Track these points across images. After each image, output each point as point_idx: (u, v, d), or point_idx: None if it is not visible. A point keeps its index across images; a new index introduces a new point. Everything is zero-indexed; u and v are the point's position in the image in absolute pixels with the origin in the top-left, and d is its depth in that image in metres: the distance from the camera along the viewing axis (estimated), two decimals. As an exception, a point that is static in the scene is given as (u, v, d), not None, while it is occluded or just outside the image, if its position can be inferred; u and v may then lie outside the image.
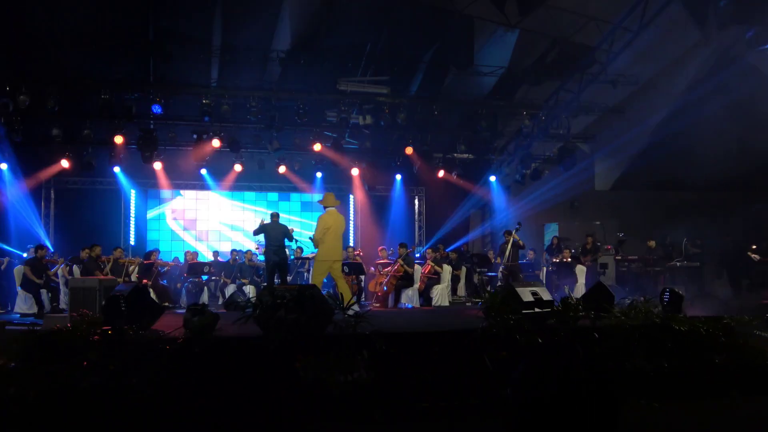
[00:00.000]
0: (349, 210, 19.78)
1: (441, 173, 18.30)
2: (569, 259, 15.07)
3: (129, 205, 18.47)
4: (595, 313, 8.02)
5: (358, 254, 15.70)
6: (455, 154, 17.82)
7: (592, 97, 15.97)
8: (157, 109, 14.67)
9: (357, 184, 18.88)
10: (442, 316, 11.11)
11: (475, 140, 17.56)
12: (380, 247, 15.54)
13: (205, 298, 14.60)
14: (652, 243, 15.44)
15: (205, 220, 19.21)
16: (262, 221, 12.13)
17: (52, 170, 16.69)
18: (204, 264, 14.99)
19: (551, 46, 14.67)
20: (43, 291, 12.93)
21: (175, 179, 18.15)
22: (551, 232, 18.77)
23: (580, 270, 14.91)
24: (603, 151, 17.81)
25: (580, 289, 14.08)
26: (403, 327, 8.42)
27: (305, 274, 15.00)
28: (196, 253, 15.25)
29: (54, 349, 6.07)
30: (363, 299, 14.15)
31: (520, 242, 14.29)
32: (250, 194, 19.46)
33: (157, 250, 14.76)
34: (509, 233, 14.40)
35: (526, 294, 8.33)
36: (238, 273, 14.85)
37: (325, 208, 10.54)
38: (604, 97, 16.13)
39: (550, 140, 17.52)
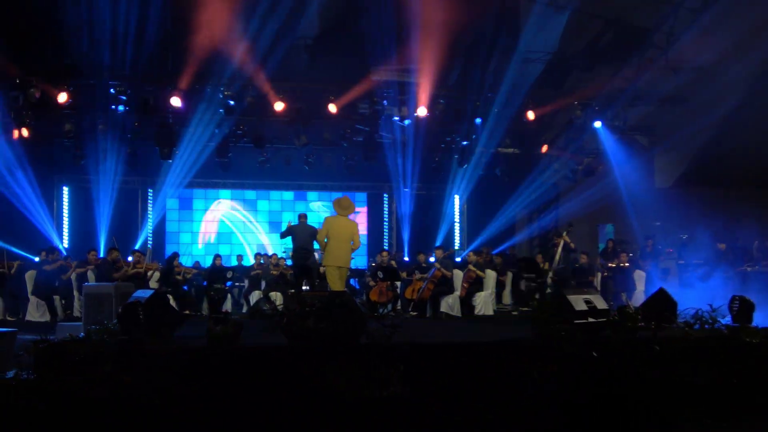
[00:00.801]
0: (384, 210, 19.78)
1: (484, 170, 18.21)
2: (627, 264, 14.83)
3: (146, 205, 18.66)
4: (656, 323, 7.88)
5: (393, 258, 15.64)
6: (500, 149, 17.65)
7: (650, 84, 15.71)
8: (176, 101, 14.77)
9: (392, 182, 18.85)
10: (486, 326, 10.98)
11: (521, 133, 17.33)
12: (417, 251, 15.43)
13: (228, 305, 14.69)
14: (722, 246, 15.07)
15: (228, 221, 19.33)
16: (290, 223, 12.19)
17: (65, 167, 16.89)
18: (227, 269, 15.09)
19: (605, 28, 14.47)
20: (56, 297, 13.11)
21: (196, 177, 18.30)
22: (606, 233, 18.51)
23: (639, 276, 14.65)
24: (663, 145, 17.45)
25: (639, 297, 13.82)
26: (442, 338, 8.37)
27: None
28: (219, 257, 15.36)
29: (67, 360, 6.14)
30: (398, 307, 14.04)
31: (572, 245, 14.10)
32: (275, 193, 19.56)
33: (177, 254, 14.89)
34: (559, 235, 14.22)
35: (578, 302, 8.21)
36: (264, 279, 14.92)
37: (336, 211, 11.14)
38: (664, 85, 15.80)
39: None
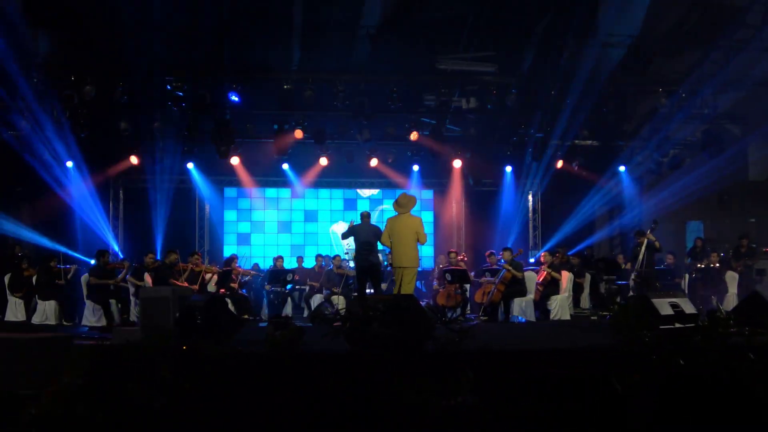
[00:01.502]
0: (451, 208, 19.72)
1: (560, 164, 18.01)
2: (717, 265, 14.53)
3: (204, 205, 19.00)
4: (751, 329, 7.69)
5: (462, 259, 15.62)
6: (576, 141, 17.47)
7: (742, 68, 15.29)
8: (233, 97, 15.01)
9: (459, 178, 18.77)
10: (562, 331, 10.99)
11: (601, 124, 17.12)
12: (488, 252, 15.40)
13: (288, 309, 14.88)
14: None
15: (288, 222, 19.58)
16: (352, 222, 12.32)
17: (120, 167, 17.32)
18: (287, 271, 15.27)
19: (691, 8, 14.17)
20: (112, 302, 13.47)
21: (254, 175, 18.55)
22: (694, 231, 18.20)
23: (731, 277, 14.39)
24: (758, 134, 16.95)
25: (731, 301, 13.57)
26: (515, 344, 8.36)
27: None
28: (281, 258, 15.56)
29: (124, 366, 6.29)
30: (468, 311, 14.02)
31: (657, 244, 13.85)
32: (337, 191, 19.71)
33: (236, 256, 15.14)
34: (642, 234, 13.98)
35: (664, 306, 8.12)
36: (325, 281, 15.04)
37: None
38: (758, 69, 15.35)
39: (691, 122, 16.95)
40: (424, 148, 17.25)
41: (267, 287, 15.07)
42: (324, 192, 19.65)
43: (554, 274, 14.17)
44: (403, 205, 11.50)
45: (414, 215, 11.57)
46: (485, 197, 19.35)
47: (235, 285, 14.27)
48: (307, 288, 15.28)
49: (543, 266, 14.34)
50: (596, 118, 16.74)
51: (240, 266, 14.91)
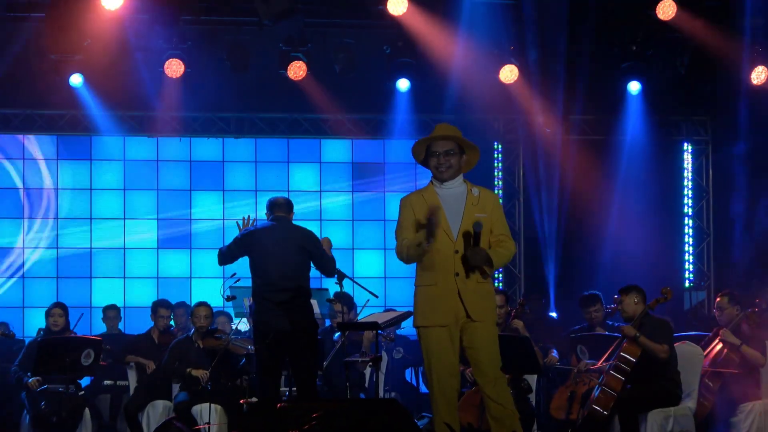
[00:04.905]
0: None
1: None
2: None
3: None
4: None
5: (520, 312, 8.70)
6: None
7: None
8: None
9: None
10: None
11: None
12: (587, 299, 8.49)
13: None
14: None
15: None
16: (245, 220, 7.96)
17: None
18: (84, 341, 9.29)
19: None
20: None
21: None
22: None
23: None
24: None
25: None
26: None
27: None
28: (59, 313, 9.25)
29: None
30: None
31: None
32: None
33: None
34: None
35: None
36: (172, 363, 9.04)
37: None
38: None
39: None
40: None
41: (32, 382, 8.28)
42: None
43: (747, 350, 8.17)
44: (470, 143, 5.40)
45: (484, 188, 5.46)
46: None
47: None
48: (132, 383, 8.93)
49: (721, 330, 8.22)
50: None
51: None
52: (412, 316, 5.45)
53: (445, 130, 5.21)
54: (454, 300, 4.86)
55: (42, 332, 9.19)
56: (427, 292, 5.01)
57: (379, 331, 7.07)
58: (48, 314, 8.69)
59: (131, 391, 8.44)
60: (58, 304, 8.82)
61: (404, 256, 5.07)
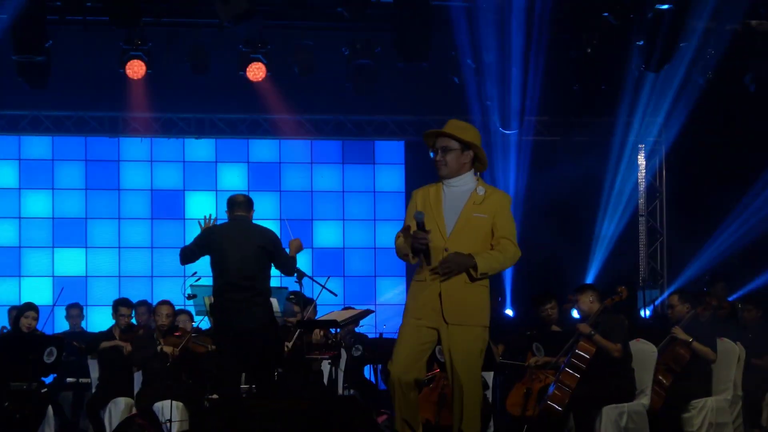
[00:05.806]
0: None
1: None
2: None
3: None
4: None
5: None
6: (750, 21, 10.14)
7: None
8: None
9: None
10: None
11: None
12: (539, 296, 8.58)
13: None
14: None
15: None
16: (206, 220, 7.96)
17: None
18: (48, 338, 9.03)
19: None
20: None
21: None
22: None
23: None
24: None
25: None
26: None
27: None
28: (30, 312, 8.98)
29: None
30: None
31: None
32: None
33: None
34: None
35: None
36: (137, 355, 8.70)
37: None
38: None
39: None
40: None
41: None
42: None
43: (698, 346, 8.11)
44: (472, 140, 5.11)
45: (495, 189, 5.30)
46: (539, 162, 11.64)
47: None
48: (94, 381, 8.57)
49: (674, 329, 8.20)
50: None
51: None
52: (371, 314, 5.49)
53: (447, 127, 5.06)
54: (434, 299, 4.76)
55: (5, 330, 9.14)
56: (414, 287, 4.97)
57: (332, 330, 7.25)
58: (21, 316, 8.46)
59: (93, 389, 8.33)
60: (31, 306, 8.51)
61: (397, 253, 5.06)
